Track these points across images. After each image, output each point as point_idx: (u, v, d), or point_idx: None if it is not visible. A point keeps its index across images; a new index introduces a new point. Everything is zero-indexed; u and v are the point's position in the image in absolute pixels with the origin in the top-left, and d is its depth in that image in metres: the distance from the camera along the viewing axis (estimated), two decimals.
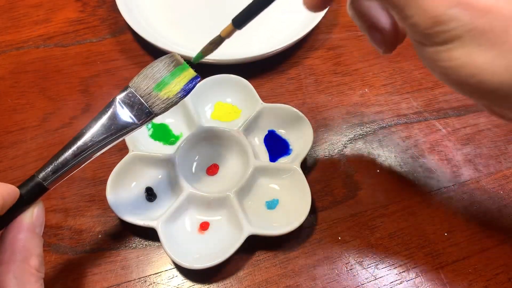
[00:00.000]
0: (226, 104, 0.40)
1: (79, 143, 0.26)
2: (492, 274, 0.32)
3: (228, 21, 0.27)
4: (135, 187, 0.35)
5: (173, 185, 0.35)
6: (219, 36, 0.28)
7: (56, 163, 0.25)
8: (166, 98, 0.27)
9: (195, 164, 0.37)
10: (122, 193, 0.33)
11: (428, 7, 0.19)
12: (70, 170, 0.25)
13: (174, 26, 0.48)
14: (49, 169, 0.25)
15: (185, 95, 0.27)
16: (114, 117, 0.26)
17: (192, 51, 0.43)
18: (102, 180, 0.34)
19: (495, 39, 0.19)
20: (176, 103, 0.27)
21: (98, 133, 0.26)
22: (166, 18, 0.49)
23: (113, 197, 0.32)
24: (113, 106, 0.27)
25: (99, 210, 0.35)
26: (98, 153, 0.26)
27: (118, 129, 0.26)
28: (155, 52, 0.45)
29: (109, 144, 0.26)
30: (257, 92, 0.39)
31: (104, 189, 0.32)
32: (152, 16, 0.48)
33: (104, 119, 0.26)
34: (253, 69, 0.43)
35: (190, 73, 0.28)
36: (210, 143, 0.37)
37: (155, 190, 0.34)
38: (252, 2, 0.26)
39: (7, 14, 0.50)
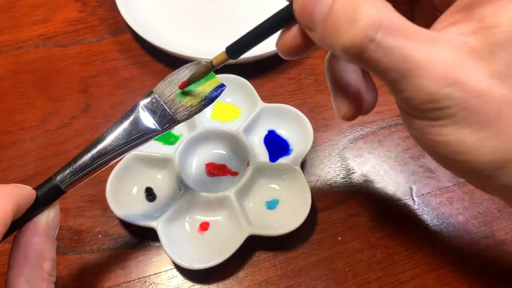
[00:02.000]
0: (226, 104, 0.40)
1: (99, 147, 0.25)
2: (492, 274, 0.32)
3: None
4: (135, 187, 0.34)
5: (173, 185, 0.35)
6: (211, 63, 0.25)
7: (74, 166, 0.25)
8: (190, 106, 0.26)
9: (195, 164, 0.37)
10: (122, 193, 0.33)
11: (423, 84, 0.19)
12: (89, 173, 0.25)
13: (174, 26, 0.48)
14: (67, 171, 0.24)
15: (209, 103, 0.27)
16: (136, 122, 0.26)
17: (192, 51, 0.43)
18: (102, 180, 0.34)
19: (486, 121, 0.19)
20: (199, 111, 0.26)
21: (118, 138, 0.25)
22: (166, 18, 0.49)
23: (113, 197, 0.32)
24: (135, 111, 0.26)
25: (99, 210, 0.34)
26: (118, 158, 0.26)
27: (140, 135, 0.26)
28: (154, 52, 0.45)
29: (129, 150, 0.26)
30: (257, 92, 0.39)
31: (104, 189, 0.32)
32: (151, 16, 0.48)
33: (126, 124, 0.26)
34: (253, 69, 0.43)
35: (216, 81, 0.27)
36: (210, 143, 0.37)
37: (155, 190, 0.34)
38: (250, 31, 0.23)
39: (7, 14, 0.50)
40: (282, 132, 0.38)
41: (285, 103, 0.38)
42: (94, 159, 0.25)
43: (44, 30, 0.48)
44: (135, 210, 0.33)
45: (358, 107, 0.25)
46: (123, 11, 0.45)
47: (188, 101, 0.26)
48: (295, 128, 0.37)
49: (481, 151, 0.19)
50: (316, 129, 0.39)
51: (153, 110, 0.26)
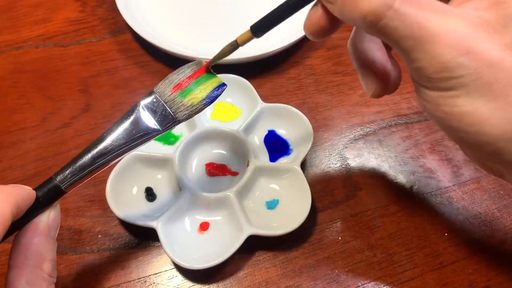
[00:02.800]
0: (226, 104, 0.40)
1: (100, 147, 0.25)
2: (492, 274, 0.32)
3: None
4: (135, 187, 0.34)
5: (173, 185, 0.35)
6: (236, 42, 0.25)
7: (74, 166, 0.24)
8: (190, 105, 0.26)
9: (195, 164, 0.37)
10: (122, 193, 0.33)
11: (437, 53, 0.19)
12: (89, 174, 0.25)
13: (174, 26, 0.48)
14: (67, 172, 0.24)
15: (210, 103, 0.26)
16: (137, 122, 0.26)
17: (192, 51, 0.43)
18: (102, 180, 0.33)
19: (499, 91, 0.19)
20: (200, 110, 0.26)
21: (119, 138, 0.25)
22: (166, 18, 0.49)
23: (113, 197, 0.32)
24: (136, 111, 0.26)
25: (99, 210, 0.34)
26: (118, 158, 0.25)
27: (140, 135, 0.26)
28: (154, 52, 0.45)
29: (130, 149, 0.26)
30: (257, 92, 0.39)
31: (104, 189, 0.32)
32: (151, 16, 0.48)
33: (126, 124, 0.26)
34: (253, 69, 0.43)
35: (216, 80, 0.27)
36: (210, 143, 0.37)
37: (155, 190, 0.34)
38: (274, 9, 0.24)
39: (7, 14, 0.50)
40: (282, 132, 0.38)
41: (285, 103, 0.38)
42: (94, 159, 0.25)
43: (44, 30, 0.48)
44: (135, 210, 0.33)
45: (386, 84, 0.26)
46: (123, 11, 0.45)
47: (188, 101, 0.26)
48: (295, 128, 0.37)
49: (493, 122, 0.19)
50: (316, 129, 0.39)
51: (153, 109, 0.26)
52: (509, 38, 0.19)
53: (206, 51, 0.45)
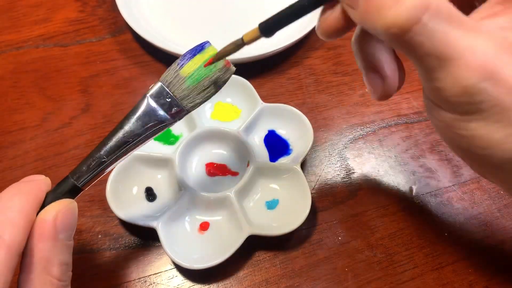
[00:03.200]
0: (226, 104, 0.40)
1: (115, 138, 0.25)
2: (492, 274, 0.32)
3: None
4: (135, 187, 0.34)
5: (173, 185, 0.35)
6: (241, 40, 0.23)
7: (88, 162, 0.25)
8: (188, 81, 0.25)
9: (195, 164, 0.37)
10: (122, 193, 0.33)
11: (460, 76, 0.18)
12: (104, 169, 0.25)
13: (174, 26, 0.48)
14: (82, 169, 0.24)
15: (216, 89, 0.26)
16: (149, 113, 0.25)
17: None
18: (102, 180, 0.33)
19: None
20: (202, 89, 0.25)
21: (137, 127, 0.25)
22: (166, 18, 0.49)
23: (113, 197, 0.32)
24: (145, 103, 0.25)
25: (99, 210, 0.34)
26: (139, 146, 0.25)
27: (154, 124, 0.25)
28: (154, 52, 0.45)
29: (146, 139, 0.25)
30: (257, 92, 0.39)
31: (104, 189, 0.32)
32: (151, 16, 0.48)
33: (138, 115, 0.25)
34: (253, 69, 0.43)
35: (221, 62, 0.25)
36: (210, 143, 0.37)
37: (155, 190, 0.34)
38: (287, 8, 0.22)
39: (7, 14, 0.50)
40: (282, 132, 0.38)
41: (285, 103, 0.38)
42: (108, 154, 0.25)
43: (44, 30, 0.48)
44: (135, 210, 0.33)
45: (393, 86, 0.25)
46: (123, 11, 0.45)
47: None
48: (295, 128, 0.37)
49: (504, 147, 0.19)
50: (316, 129, 0.39)
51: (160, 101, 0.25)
52: None
53: None
